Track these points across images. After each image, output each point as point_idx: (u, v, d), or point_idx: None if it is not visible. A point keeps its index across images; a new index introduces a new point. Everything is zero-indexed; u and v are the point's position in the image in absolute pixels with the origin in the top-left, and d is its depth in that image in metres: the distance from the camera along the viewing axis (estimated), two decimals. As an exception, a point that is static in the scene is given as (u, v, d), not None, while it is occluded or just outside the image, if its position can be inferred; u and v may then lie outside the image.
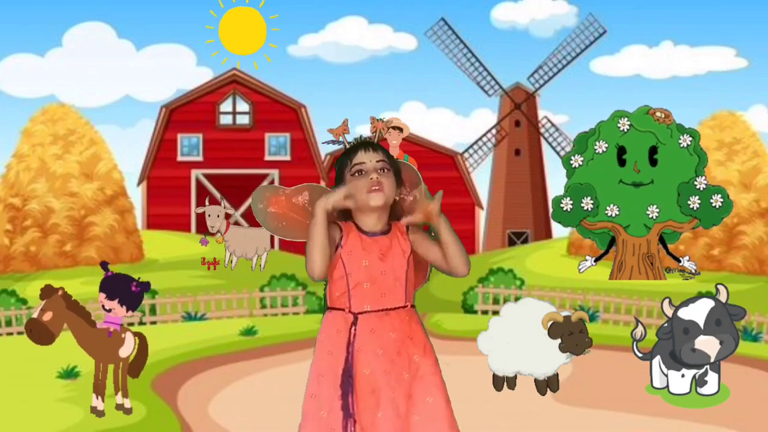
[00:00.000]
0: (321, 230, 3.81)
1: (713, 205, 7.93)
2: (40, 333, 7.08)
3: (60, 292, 7.19)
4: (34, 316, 7.12)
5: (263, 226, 4.07)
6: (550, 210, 8.28)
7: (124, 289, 7.19)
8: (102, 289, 7.19)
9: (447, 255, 3.91)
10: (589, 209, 8.03)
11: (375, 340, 3.86)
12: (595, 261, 8.27)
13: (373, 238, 3.92)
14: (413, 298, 4.00)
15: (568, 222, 8.14)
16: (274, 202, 4.05)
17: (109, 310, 7.19)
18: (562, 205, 8.10)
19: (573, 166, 8.10)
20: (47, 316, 7.09)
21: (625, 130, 8.02)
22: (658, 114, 7.81)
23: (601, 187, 8.08)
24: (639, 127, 8.00)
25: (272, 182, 28.96)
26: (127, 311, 7.22)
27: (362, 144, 3.96)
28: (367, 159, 3.91)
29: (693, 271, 8.09)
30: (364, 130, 4.16)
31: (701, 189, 7.93)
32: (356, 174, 3.90)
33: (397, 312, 3.91)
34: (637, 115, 8.01)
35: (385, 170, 3.92)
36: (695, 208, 7.93)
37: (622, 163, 8.06)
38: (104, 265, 7.25)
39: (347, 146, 4.00)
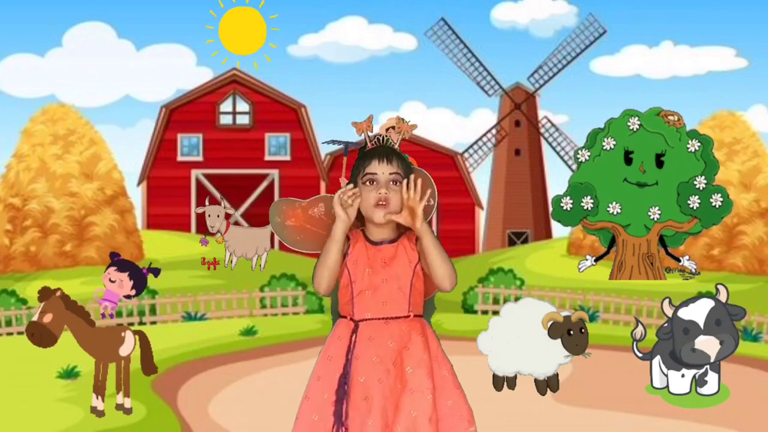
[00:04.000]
0: (335, 250, 3.85)
1: (713, 204, 7.94)
2: (42, 336, 7.07)
3: (58, 293, 7.18)
4: (35, 319, 7.11)
5: (281, 240, 4.07)
6: (550, 209, 8.29)
7: (135, 268, 7.22)
8: (112, 264, 7.17)
9: (429, 265, 3.88)
10: (589, 208, 8.04)
11: (372, 348, 3.88)
12: (596, 261, 8.27)
13: (378, 247, 3.93)
14: (420, 308, 4.00)
15: (568, 221, 8.15)
16: (291, 215, 4.07)
17: (113, 282, 7.16)
18: (562, 205, 8.11)
19: (580, 160, 8.13)
20: (47, 318, 7.07)
21: (635, 130, 8.04)
22: (670, 117, 7.83)
23: (605, 184, 8.09)
24: (648, 127, 8.01)
25: (272, 182, 28.96)
26: (131, 289, 7.21)
27: (378, 152, 3.94)
28: (380, 170, 3.90)
29: (693, 270, 8.09)
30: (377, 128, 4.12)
31: (701, 189, 7.95)
32: (367, 183, 3.91)
33: (397, 321, 3.92)
34: (648, 116, 8.03)
35: (397, 183, 3.91)
36: (695, 208, 7.95)
37: (628, 161, 8.08)
38: (114, 254, 7.28)
39: (369, 143, 3.98)
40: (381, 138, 4.01)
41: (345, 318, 3.96)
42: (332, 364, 3.90)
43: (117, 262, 7.22)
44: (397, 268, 3.92)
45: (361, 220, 4.00)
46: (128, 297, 7.30)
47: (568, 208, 8.09)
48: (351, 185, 3.88)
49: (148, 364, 7.46)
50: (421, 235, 3.86)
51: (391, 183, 3.90)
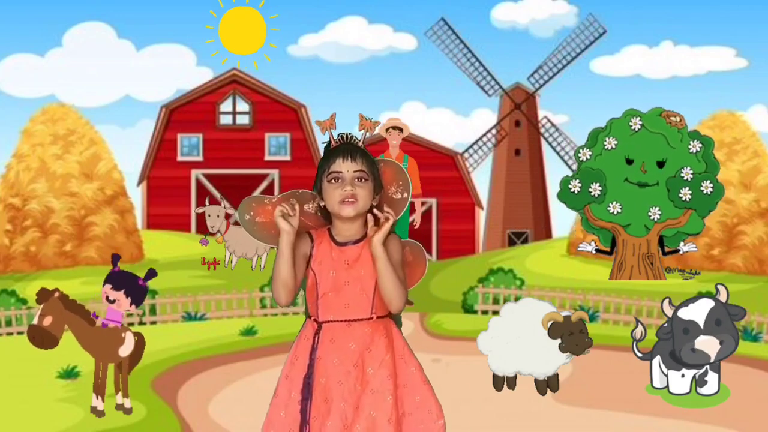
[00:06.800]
0: (283, 264, 3.87)
1: (704, 192, 7.93)
2: (44, 338, 7.06)
3: (57, 294, 7.16)
4: (35, 322, 7.09)
5: (252, 236, 4.09)
6: (557, 189, 8.22)
7: (131, 282, 7.17)
8: (108, 280, 7.15)
9: (380, 285, 3.90)
10: (596, 195, 8.01)
11: (334, 350, 3.91)
12: (595, 251, 8.26)
13: (342, 248, 3.94)
14: (385, 310, 3.98)
15: (573, 204, 8.11)
16: (261, 212, 4.07)
17: (113, 302, 7.15)
18: (570, 186, 8.07)
19: (581, 159, 8.11)
20: (47, 321, 7.06)
21: (636, 130, 8.02)
22: (672, 118, 7.83)
23: (606, 183, 8.08)
24: (650, 128, 8.00)
25: (272, 182, 28.97)
26: (131, 304, 7.19)
27: (342, 150, 3.93)
28: (345, 168, 3.89)
29: (694, 249, 8.10)
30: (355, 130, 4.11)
31: (689, 179, 7.93)
32: (332, 181, 3.90)
33: (360, 324, 3.93)
34: (650, 116, 8.01)
35: (362, 180, 3.91)
36: (687, 200, 7.93)
37: (629, 161, 8.07)
38: (115, 258, 7.24)
39: (333, 141, 3.98)
40: (345, 135, 3.99)
41: (310, 318, 4.01)
42: (298, 364, 3.97)
43: (112, 279, 7.17)
44: (361, 269, 3.92)
45: (328, 219, 4.00)
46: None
47: (576, 191, 8.06)
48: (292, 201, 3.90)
49: (133, 363, 7.46)
50: (377, 253, 3.86)
51: (356, 180, 3.89)
